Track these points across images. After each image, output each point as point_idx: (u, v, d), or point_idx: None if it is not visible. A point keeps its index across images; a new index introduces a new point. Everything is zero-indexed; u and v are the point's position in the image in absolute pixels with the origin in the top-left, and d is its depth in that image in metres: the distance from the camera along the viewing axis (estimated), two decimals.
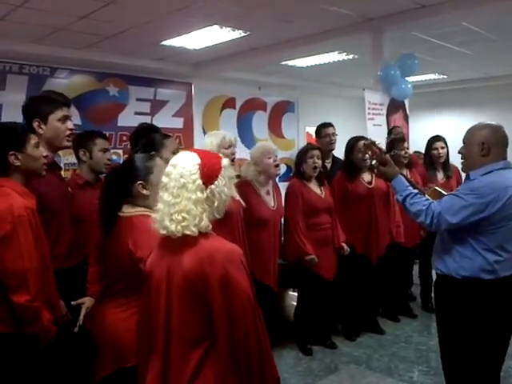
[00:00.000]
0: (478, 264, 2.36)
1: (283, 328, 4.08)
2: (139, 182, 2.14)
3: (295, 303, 4.06)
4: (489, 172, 2.37)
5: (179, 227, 1.56)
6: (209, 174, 1.61)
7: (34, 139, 2.19)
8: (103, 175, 3.27)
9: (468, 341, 2.46)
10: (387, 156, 2.70)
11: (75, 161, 3.37)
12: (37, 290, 1.95)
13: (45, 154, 2.24)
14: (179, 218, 1.56)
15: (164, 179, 1.64)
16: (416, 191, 2.55)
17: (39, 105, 2.49)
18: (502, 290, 2.39)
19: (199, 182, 1.59)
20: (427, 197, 2.60)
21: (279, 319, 4.10)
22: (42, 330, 1.99)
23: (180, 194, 1.58)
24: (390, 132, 4.94)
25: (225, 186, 1.65)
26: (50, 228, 2.41)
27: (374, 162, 2.78)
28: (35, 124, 2.45)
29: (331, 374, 3.54)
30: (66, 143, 2.58)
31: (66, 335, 2.26)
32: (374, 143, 2.74)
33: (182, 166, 1.61)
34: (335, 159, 4.72)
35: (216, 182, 1.62)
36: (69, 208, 2.65)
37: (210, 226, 1.62)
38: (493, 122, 2.49)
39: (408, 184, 2.58)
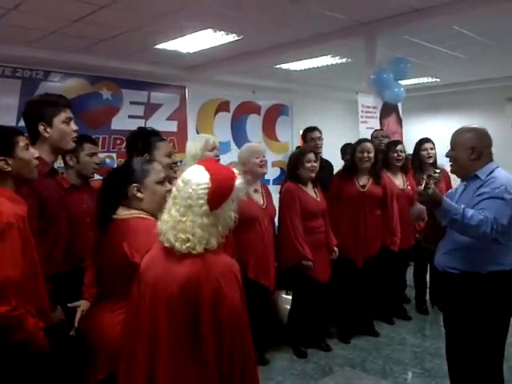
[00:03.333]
0: (507, 256, 2.43)
1: (277, 331, 4.07)
2: (134, 185, 2.13)
3: (289, 306, 4.06)
4: (492, 171, 2.48)
5: (184, 247, 1.58)
6: (216, 199, 1.61)
7: (22, 141, 2.10)
8: (92, 179, 3.29)
9: (493, 339, 2.47)
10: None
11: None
12: (18, 299, 1.86)
13: (36, 155, 2.17)
14: (183, 237, 1.58)
15: (174, 191, 1.66)
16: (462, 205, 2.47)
17: (42, 108, 2.45)
18: None
19: (205, 208, 1.59)
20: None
21: (273, 322, 4.10)
22: (27, 337, 1.92)
23: (185, 214, 1.60)
24: (372, 136, 4.93)
25: (231, 210, 1.65)
26: (48, 233, 2.39)
27: (430, 190, 2.52)
28: (41, 128, 2.41)
29: (326, 377, 3.54)
30: (73, 145, 2.56)
31: (61, 339, 2.24)
32: (431, 175, 2.62)
33: (191, 186, 1.61)
34: (323, 162, 4.73)
35: (223, 206, 1.63)
36: (64, 213, 2.63)
37: (216, 246, 1.62)
38: (476, 126, 2.57)
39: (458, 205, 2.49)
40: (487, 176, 2.48)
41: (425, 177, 2.54)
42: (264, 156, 3.59)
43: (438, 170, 2.63)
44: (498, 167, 2.51)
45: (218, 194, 1.61)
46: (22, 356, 1.96)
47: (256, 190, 3.61)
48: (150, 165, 2.23)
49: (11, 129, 2.17)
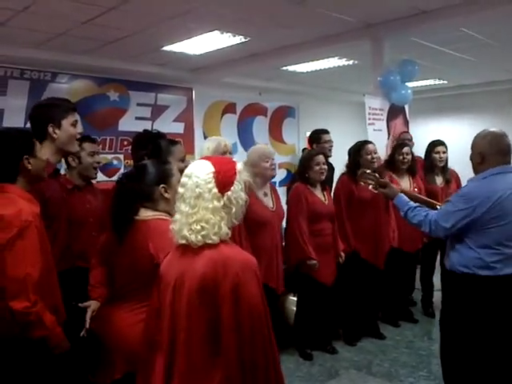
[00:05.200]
0: (473, 260, 2.48)
1: (283, 333, 4.07)
2: (162, 186, 2.15)
3: (295, 308, 4.05)
4: (485, 177, 2.52)
5: (199, 237, 1.58)
6: (224, 182, 1.62)
7: (37, 143, 2.21)
8: (95, 179, 3.32)
9: (466, 337, 2.53)
10: (385, 179, 2.91)
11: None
12: (36, 296, 1.93)
13: (45, 157, 2.26)
14: (198, 227, 1.58)
15: (180, 190, 1.66)
16: (416, 204, 2.79)
17: (51, 110, 2.49)
18: (502, 288, 2.44)
19: (215, 190, 1.61)
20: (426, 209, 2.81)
21: (279, 324, 4.09)
22: (45, 334, 1.98)
23: (197, 204, 1.60)
24: (397, 138, 4.97)
25: (241, 191, 1.67)
26: (47, 232, 2.42)
27: (370, 187, 3.03)
28: (50, 129, 2.45)
29: (332, 379, 3.54)
30: (77, 147, 2.63)
31: (72, 339, 2.26)
32: (365, 172, 2.94)
33: (196, 176, 1.62)
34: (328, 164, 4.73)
35: (232, 188, 1.64)
36: (65, 214, 2.66)
37: (230, 234, 1.63)
38: (496, 130, 2.60)
39: (408, 200, 2.84)
40: (470, 183, 2.59)
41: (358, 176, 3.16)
42: (273, 159, 3.59)
43: (368, 171, 2.95)
44: (493, 174, 2.50)
45: (225, 175, 1.63)
46: (40, 353, 2.00)
47: (265, 194, 3.61)
48: (171, 165, 2.29)
49: (29, 130, 2.32)
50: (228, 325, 1.53)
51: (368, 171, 3.01)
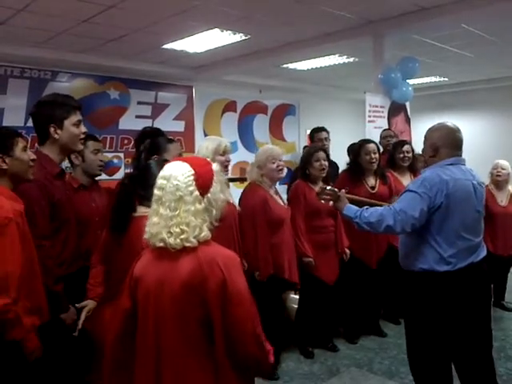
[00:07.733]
0: (432, 255, 2.44)
1: (285, 331, 4.07)
2: None
3: (296, 306, 4.05)
4: (440, 167, 2.49)
5: (178, 240, 1.55)
6: (204, 184, 1.60)
7: (22, 143, 2.17)
8: (100, 178, 3.31)
9: (429, 335, 2.54)
10: (341, 192, 2.82)
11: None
12: (17, 294, 1.89)
13: (32, 157, 2.22)
14: (177, 230, 1.55)
15: (157, 192, 1.61)
16: (365, 207, 2.65)
17: (53, 110, 2.44)
18: (459, 282, 2.44)
19: (196, 193, 1.58)
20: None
21: (281, 322, 4.09)
22: (22, 335, 1.93)
23: (177, 207, 1.56)
24: (380, 135, 4.92)
25: (220, 192, 1.65)
26: (59, 235, 2.41)
27: (330, 203, 2.86)
28: (51, 130, 2.41)
29: (333, 377, 3.54)
30: (81, 146, 2.58)
31: (66, 338, 2.25)
32: (325, 188, 2.84)
33: (175, 179, 1.58)
34: (331, 162, 4.71)
35: (211, 190, 1.62)
36: (73, 214, 2.65)
37: (210, 236, 1.61)
38: (450, 124, 2.57)
39: (357, 208, 2.68)
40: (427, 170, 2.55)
41: (316, 193, 2.95)
42: (280, 160, 3.58)
43: (329, 187, 2.87)
44: (446, 165, 2.48)
45: (204, 177, 1.61)
46: (17, 357, 1.95)
47: (276, 192, 3.63)
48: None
49: (12, 130, 2.25)
50: (219, 319, 1.52)
51: (329, 187, 2.87)
